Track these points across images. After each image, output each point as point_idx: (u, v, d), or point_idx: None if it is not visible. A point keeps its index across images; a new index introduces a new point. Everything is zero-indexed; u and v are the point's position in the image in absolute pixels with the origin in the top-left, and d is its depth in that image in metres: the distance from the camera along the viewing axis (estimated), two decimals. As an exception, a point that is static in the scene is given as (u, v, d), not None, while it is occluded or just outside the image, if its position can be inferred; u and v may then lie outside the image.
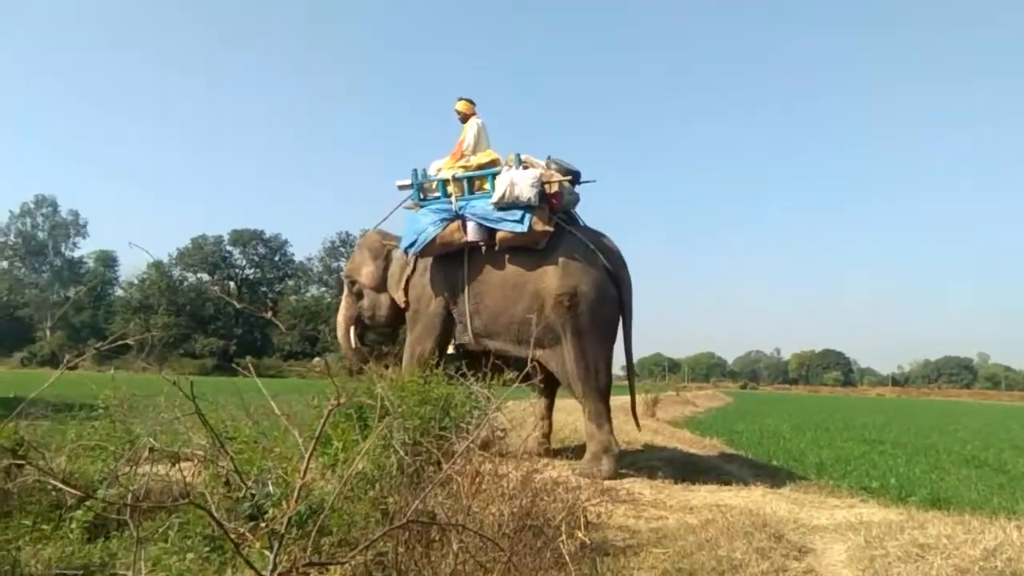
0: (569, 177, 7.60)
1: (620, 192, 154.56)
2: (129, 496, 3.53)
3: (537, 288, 7.21)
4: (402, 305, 8.09)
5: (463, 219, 7.44)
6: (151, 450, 4.20)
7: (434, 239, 7.43)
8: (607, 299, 7.28)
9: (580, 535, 3.33)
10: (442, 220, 7.47)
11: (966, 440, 18.10)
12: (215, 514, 2.23)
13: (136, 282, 63.03)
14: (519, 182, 7.16)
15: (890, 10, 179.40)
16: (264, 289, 67.53)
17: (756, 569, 3.92)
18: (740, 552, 4.17)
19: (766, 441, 14.74)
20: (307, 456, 2.27)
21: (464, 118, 8.03)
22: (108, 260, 69.20)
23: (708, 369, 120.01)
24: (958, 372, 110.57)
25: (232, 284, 66.66)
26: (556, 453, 8.02)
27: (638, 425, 8.45)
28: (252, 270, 68.30)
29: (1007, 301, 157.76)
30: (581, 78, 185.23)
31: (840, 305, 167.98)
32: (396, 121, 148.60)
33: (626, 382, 8.31)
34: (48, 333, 61.89)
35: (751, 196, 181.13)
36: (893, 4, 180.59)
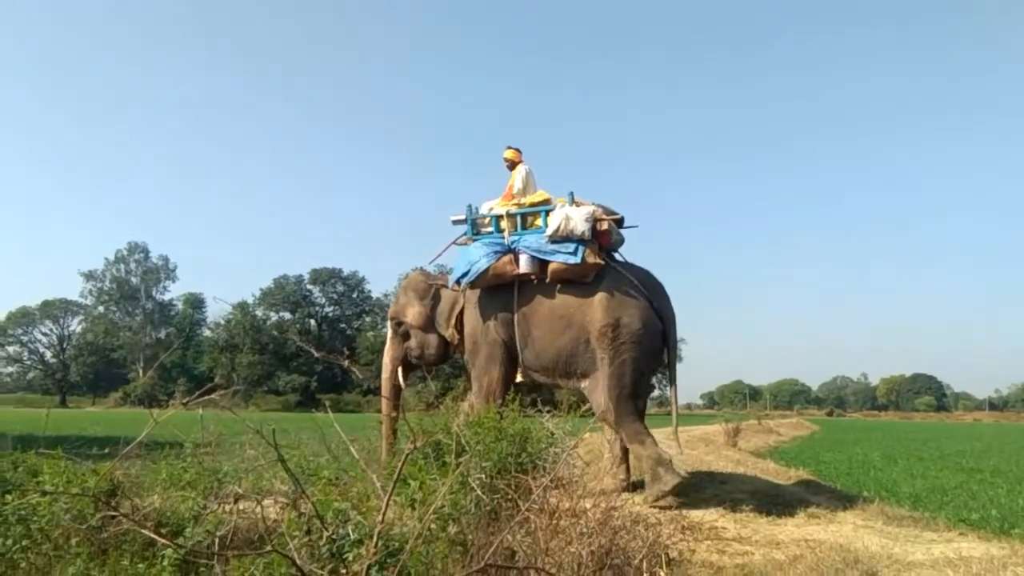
0: (617, 217, 7.86)
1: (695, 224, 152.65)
2: (216, 539, 3.61)
3: (583, 320, 7.37)
4: (452, 341, 8.27)
5: (515, 252, 7.64)
6: (236, 492, 4.30)
7: (487, 270, 7.60)
8: (650, 331, 7.38)
9: (662, 574, 3.25)
10: (495, 252, 7.66)
11: (1074, 467, 17.05)
12: (296, 559, 2.27)
13: (222, 323, 65.24)
14: (574, 216, 7.39)
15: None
16: (343, 326, 68.91)
17: (848, 609, 3.77)
18: (831, 591, 4.02)
19: (855, 471, 14.15)
20: (386, 499, 2.29)
21: (512, 165, 8.32)
22: (196, 302, 72.12)
23: (791, 396, 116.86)
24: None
25: (312, 322, 68.30)
26: (636, 487, 7.89)
27: (680, 447, 8.34)
28: (331, 307, 69.99)
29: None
30: (605, 123, 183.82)
31: (931, 326, 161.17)
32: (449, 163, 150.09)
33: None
34: (141, 373, 64.52)
35: (832, 219, 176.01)
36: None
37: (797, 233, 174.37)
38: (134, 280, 69.71)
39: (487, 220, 8.06)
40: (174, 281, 71.75)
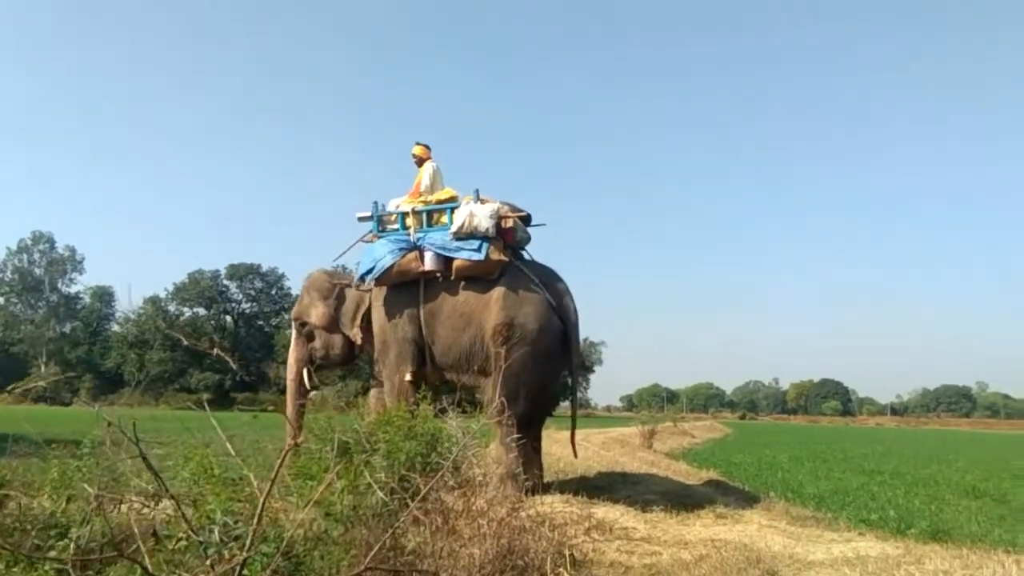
0: (522, 214, 7.83)
1: (620, 232, 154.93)
2: (98, 543, 3.39)
3: (480, 319, 7.36)
4: (357, 341, 8.18)
5: (420, 249, 7.59)
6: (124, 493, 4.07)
7: (392, 267, 7.54)
8: (546, 331, 7.32)
9: (566, 575, 3.20)
10: (400, 249, 7.60)
11: (966, 470, 17.91)
12: (147, 564, 2.12)
13: (132, 317, 62.80)
14: (478, 213, 7.38)
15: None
16: (260, 323, 67.25)
17: (749, 608, 3.79)
18: (733, 590, 4.04)
19: (764, 472, 14.58)
20: (262, 498, 2.16)
21: (420, 161, 8.30)
22: (104, 296, 68.98)
23: (707, 399, 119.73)
24: (957, 401, 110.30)
25: (229, 318, 66.47)
26: (549, 487, 7.87)
27: (575, 452, 8.42)
28: (249, 304, 67.94)
29: (1006, 328, 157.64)
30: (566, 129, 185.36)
31: (838, 335, 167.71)
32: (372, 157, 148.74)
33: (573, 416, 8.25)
34: (43, 369, 61.48)
35: (750, 227, 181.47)
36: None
37: (718, 242, 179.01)
38: (38, 271, 66.03)
39: (393, 217, 7.99)
40: (81, 273, 68.15)
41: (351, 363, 8.98)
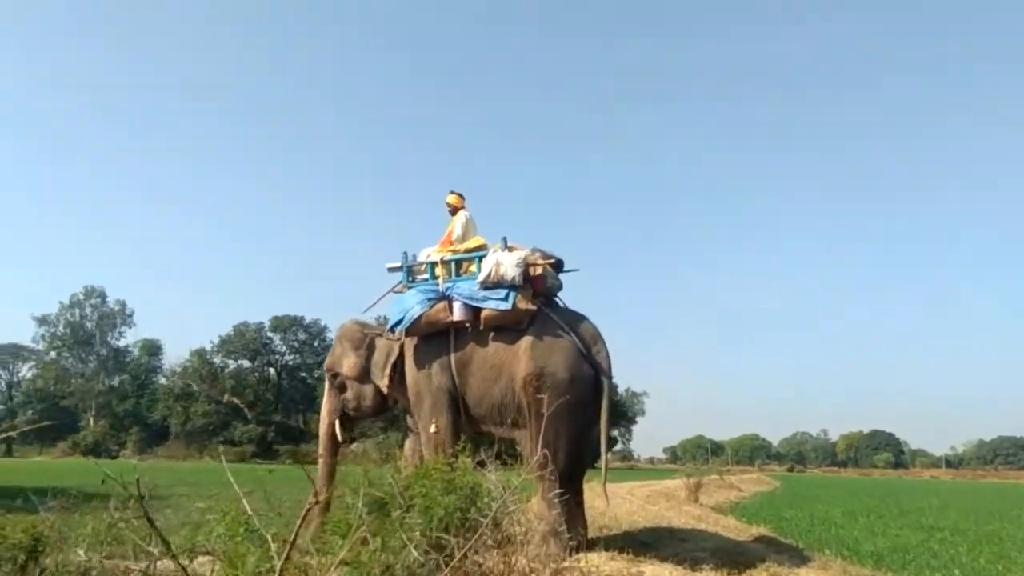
0: (552, 261, 7.78)
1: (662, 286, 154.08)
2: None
3: (511, 370, 7.26)
4: (385, 391, 8.06)
5: (449, 299, 7.54)
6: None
7: (420, 317, 7.50)
8: (578, 379, 7.16)
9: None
10: (429, 300, 7.57)
11: (1031, 526, 17.07)
12: None
13: (178, 370, 63.81)
14: (504, 262, 7.33)
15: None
16: (303, 374, 67.69)
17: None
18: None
19: (817, 528, 14.04)
20: (281, 559, 2.07)
21: (454, 210, 8.30)
22: (152, 348, 70.38)
23: (752, 451, 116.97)
24: (1015, 452, 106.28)
25: (272, 370, 67.12)
26: (593, 544, 7.64)
27: (607, 500, 8.12)
28: (292, 356, 68.53)
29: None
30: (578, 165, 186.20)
31: (889, 384, 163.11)
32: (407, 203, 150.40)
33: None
34: (92, 422, 62.61)
35: (793, 277, 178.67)
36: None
37: (762, 293, 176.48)
38: (89, 325, 67.76)
39: (422, 267, 7.99)
40: (130, 327, 69.99)
41: (383, 414, 8.90)
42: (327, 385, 8.66)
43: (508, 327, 7.40)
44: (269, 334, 67.05)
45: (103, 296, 68.45)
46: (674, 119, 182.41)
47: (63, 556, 4.20)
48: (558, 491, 6.94)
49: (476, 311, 7.42)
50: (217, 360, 65.05)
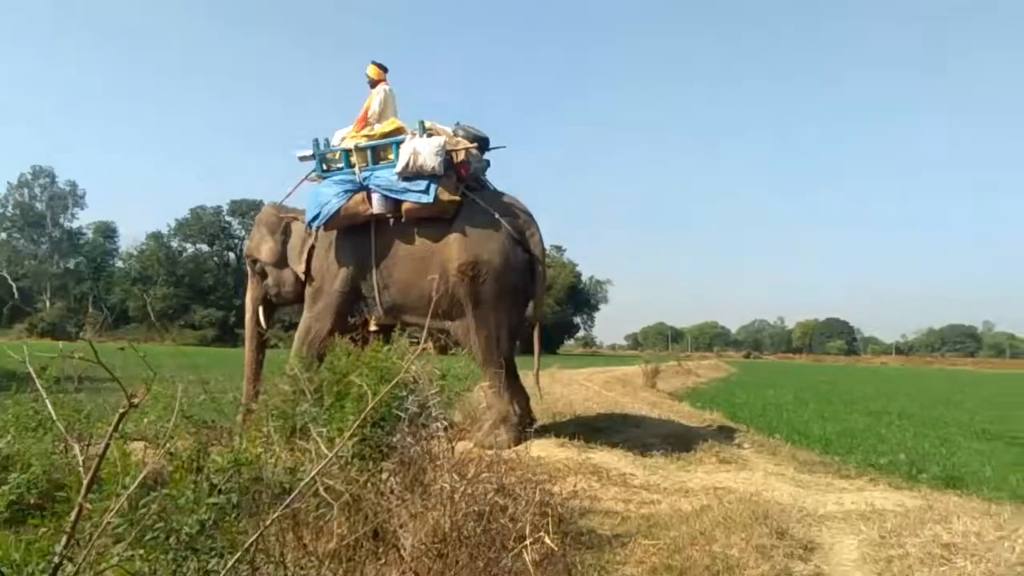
0: (475, 144, 7.39)
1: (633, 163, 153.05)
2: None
3: (441, 260, 7.01)
4: (302, 277, 7.71)
5: (368, 190, 7.16)
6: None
7: (338, 211, 7.14)
8: (512, 266, 7.06)
9: (548, 540, 2.80)
10: (346, 192, 7.18)
11: (974, 411, 17.54)
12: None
13: (135, 253, 62.70)
14: (423, 151, 6.89)
15: None
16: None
17: (755, 571, 3.42)
18: (738, 549, 3.69)
19: (768, 413, 14.22)
20: (100, 458, 1.75)
21: (373, 84, 7.69)
22: (107, 231, 68.73)
23: (712, 339, 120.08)
24: (963, 340, 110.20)
25: (232, 255, 66.17)
26: (546, 430, 7.54)
27: (540, 394, 7.95)
28: (252, 240, 67.48)
29: (1012, 268, 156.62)
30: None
31: (844, 274, 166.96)
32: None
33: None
34: (47, 304, 61.70)
35: (757, 165, 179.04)
36: None
37: (724, 180, 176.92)
38: (39, 206, 65.76)
39: (336, 155, 7.48)
40: (83, 208, 67.85)
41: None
42: (249, 272, 8.26)
43: (433, 218, 7.06)
44: (227, 218, 65.64)
45: (52, 176, 66.03)
46: None
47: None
48: (501, 379, 6.85)
49: (397, 203, 7.06)
50: (175, 244, 63.85)
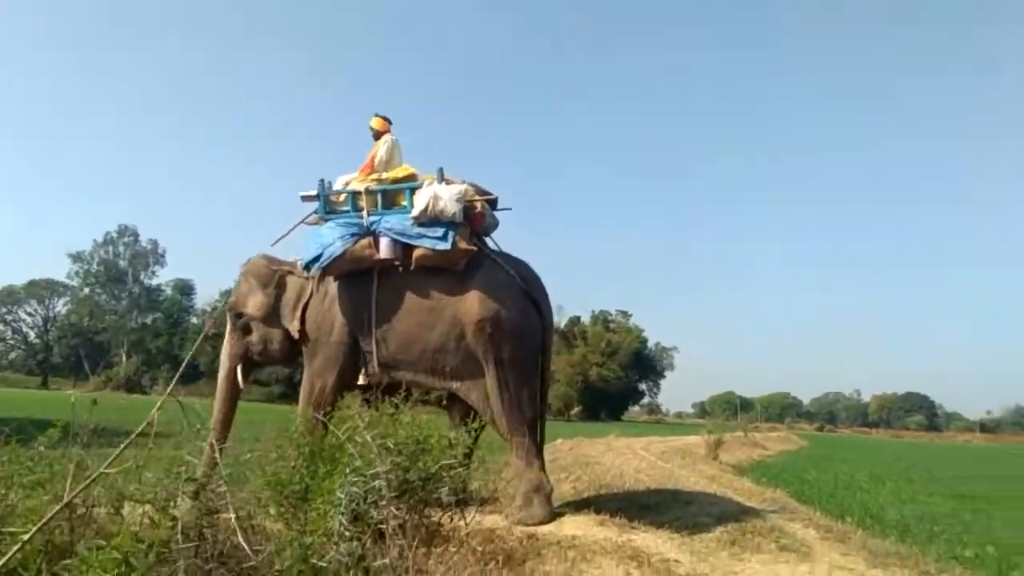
0: (491, 198, 7.17)
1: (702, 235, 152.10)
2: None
3: (455, 313, 6.61)
4: (295, 335, 7.26)
5: (375, 235, 6.80)
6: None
7: (343, 254, 6.72)
8: (530, 326, 6.74)
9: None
10: (352, 235, 6.80)
11: (1072, 497, 16.16)
12: None
13: (207, 309, 64.57)
14: (443, 196, 6.60)
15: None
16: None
17: None
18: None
19: (840, 493, 13.27)
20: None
21: (377, 135, 7.48)
22: (185, 288, 71.25)
23: (783, 409, 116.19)
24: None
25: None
26: (587, 504, 7.01)
27: (543, 460, 7.18)
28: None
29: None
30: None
31: (924, 346, 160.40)
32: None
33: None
34: (124, 358, 63.82)
35: (834, 236, 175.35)
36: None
37: (801, 251, 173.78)
38: (122, 263, 69.04)
39: (342, 197, 7.18)
40: (163, 266, 71.20)
41: (291, 361, 7.94)
42: (228, 326, 7.77)
43: (442, 268, 6.73)
44: (301, 274, 67.22)
45: (136, 235, 69.72)
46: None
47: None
48: (531, 445, 6.44)
49: (406, 249, 6.73)
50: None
